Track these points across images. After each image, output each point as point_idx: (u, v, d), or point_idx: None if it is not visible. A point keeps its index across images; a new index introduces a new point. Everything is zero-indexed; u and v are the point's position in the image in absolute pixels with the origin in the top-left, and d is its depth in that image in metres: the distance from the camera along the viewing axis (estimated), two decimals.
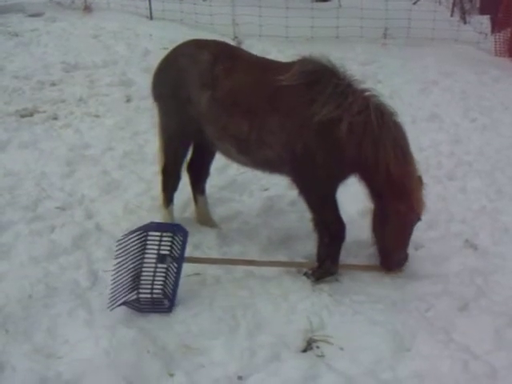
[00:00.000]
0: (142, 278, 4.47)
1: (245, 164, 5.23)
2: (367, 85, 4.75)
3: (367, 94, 4.64)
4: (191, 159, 5.56)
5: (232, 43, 10.10)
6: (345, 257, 4.99)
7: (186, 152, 5.37)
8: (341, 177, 4.78)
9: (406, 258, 4.91)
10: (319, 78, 4.61)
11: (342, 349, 4.10)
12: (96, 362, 3.81)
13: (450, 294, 4.69)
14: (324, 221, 4.82)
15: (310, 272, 4.87)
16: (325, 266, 4.84)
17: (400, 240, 4.80)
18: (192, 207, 5.80)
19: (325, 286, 4.77)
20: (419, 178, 4.69)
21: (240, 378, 3.83)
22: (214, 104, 4.87)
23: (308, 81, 4.62)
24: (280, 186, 5.93)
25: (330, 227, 4.81)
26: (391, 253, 4.86)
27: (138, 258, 4.40)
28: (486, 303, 4.60)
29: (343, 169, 4.72)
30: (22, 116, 8.53)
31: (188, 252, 5.10)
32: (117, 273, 4.28)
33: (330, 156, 4.59)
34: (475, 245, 5.42)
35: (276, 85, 4.64)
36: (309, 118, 4.54)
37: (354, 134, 4.48)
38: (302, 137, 4.61)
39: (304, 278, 4.86)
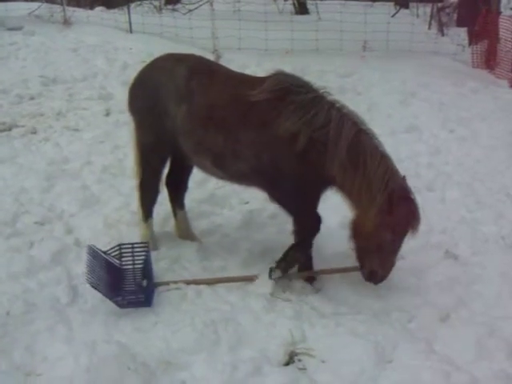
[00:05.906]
0: None
1: (220, 177, 5.24)
2: (346, 96, 4.77)
3: (336, 105, 4.64)
4: (169, 173, 5.54)
5: (211, 56, 10.17)
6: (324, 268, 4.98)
7: (163, 166, 5.36)
8: (316, 189, 4.79)
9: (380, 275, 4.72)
10: (287, 93, 4.65)
11: (323, 361, 4.08)
12: (76, 380, 3.75)
13: (431, 305, 4.71)
14: (302, 223, 4.83)
15: (273, 267, 4.80)
16: (290, 254, 4.79)
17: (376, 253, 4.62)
18: (173, 221, 5.77)
19: (306, 298, 4.77)
20: (391, 192, 4.42)
21: None
22: (190, 118, 4.88)
23: (277, 95, 4.65)
24: (260, 200, 5.92)
25: (306, 224, 4.81)
26: (364, 263, 4.72)
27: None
28: (467, 313, 4.62)
29: (315, 182, 4.72)
30: (1, 130, 8.50)
31: (168, 266, 5.12)
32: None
33: (299, 170, 4.61)
34: (455, 255, 5.43)
35: (248, 99, 4.69)
36: (276, 131, 4.59)
37: (315, 150, 4.52)
38: (271, 150, 4.65)
39: (285, 295, 4.78)
